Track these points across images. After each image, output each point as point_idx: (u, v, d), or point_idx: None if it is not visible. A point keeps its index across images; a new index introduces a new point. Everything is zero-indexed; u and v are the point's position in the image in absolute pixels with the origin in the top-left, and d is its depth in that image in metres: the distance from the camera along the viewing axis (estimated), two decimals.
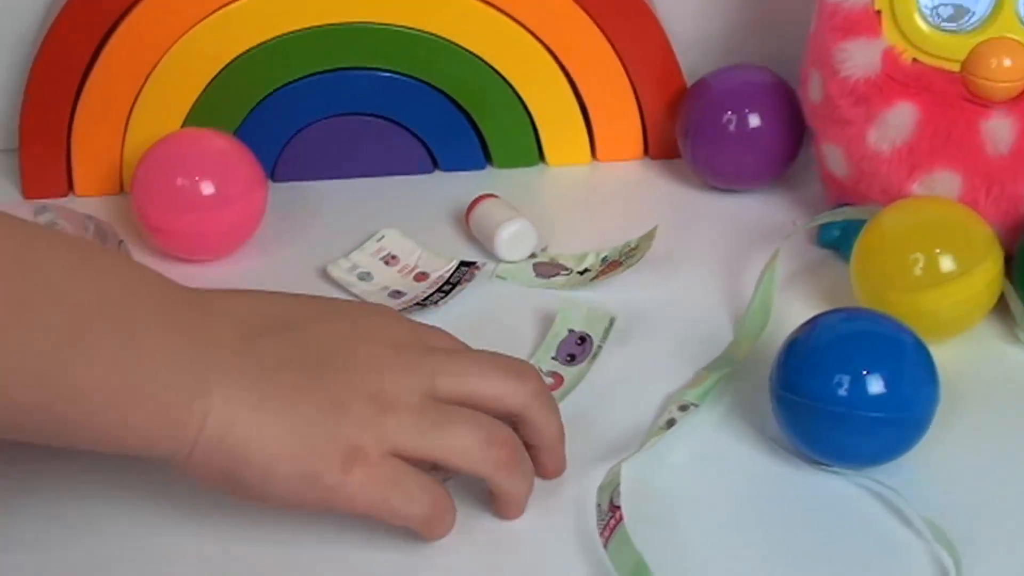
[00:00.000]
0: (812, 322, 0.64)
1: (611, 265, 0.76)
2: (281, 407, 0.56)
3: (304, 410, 0.56)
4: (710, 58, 0.87)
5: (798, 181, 0.83)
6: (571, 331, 0.70)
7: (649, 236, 0.76)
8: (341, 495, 0.56)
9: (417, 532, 0.58)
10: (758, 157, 0.81)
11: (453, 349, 0.62)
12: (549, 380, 0.68)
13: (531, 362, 0.68)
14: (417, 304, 0.74)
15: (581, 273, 0.76)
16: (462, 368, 0.59)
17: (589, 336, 0.70)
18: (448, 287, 0.75)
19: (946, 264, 0.68)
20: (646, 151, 0.87)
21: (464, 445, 0.57)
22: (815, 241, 0.79)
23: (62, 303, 0.52)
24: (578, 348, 0.70)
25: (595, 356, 0.69)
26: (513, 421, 0.60)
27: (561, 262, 0.77)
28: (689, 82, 0.85)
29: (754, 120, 0.80)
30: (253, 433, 0.55)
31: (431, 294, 0.74)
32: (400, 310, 0.72)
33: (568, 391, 0.67)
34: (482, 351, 0.62)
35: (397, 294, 0.75)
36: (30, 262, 0.52)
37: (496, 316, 0.74)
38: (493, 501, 0.60)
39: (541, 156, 0.87)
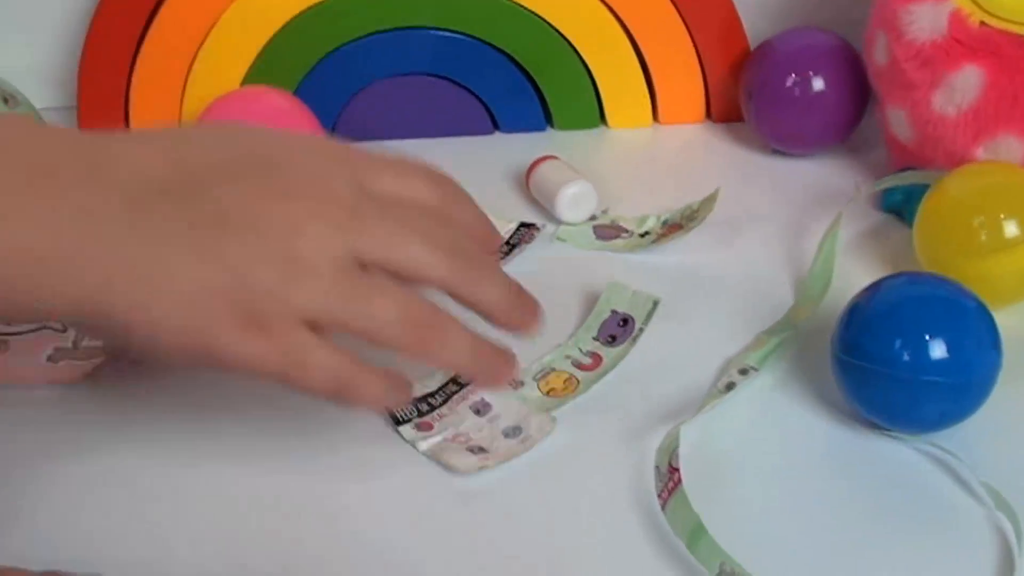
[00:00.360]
0: (875, 286, 0.63)
1: (671, 228, 0.76)
2: (166, 273, 0.51)
3: (192, 275, 0.51)
4: (774, 21, 0.87)
5: (862, 145, 0.83)
6: (614, 312, 0.69)
7: (711, 199, 0.75)
8: (234, 361, 0.52)
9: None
10: (821, 120, 0.81)
11: (382, 203, 0.54)
12: (587, 360, 0.67)
13: (571, 340, 0.68)
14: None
15: (642, 236, 0.76)
16: (385, 234, 0.53)
17: (632, 318, 0.69)
18: (507, 247, 0.75)
19: (1011, 229, 0.67)
20: (708, 114, 0.86)
21: (383, 324, 0.53)
22: (878, 205, 0.78)
23: None
24: (620, 329, 0.69)
25: (636, 339, 0.68)
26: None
27: (622, 224, 0.77)
28: (752, 45, 0.84)
29: (818, 83, 0.80)
30: (131, 306, 0.51)
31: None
32: None
33: (605, 372, 0.67)
34: (432, 213, 0.56)
35: None
36: None
37: (550, 281, 0.73)
38: None
39: (602, 118, 0.86)
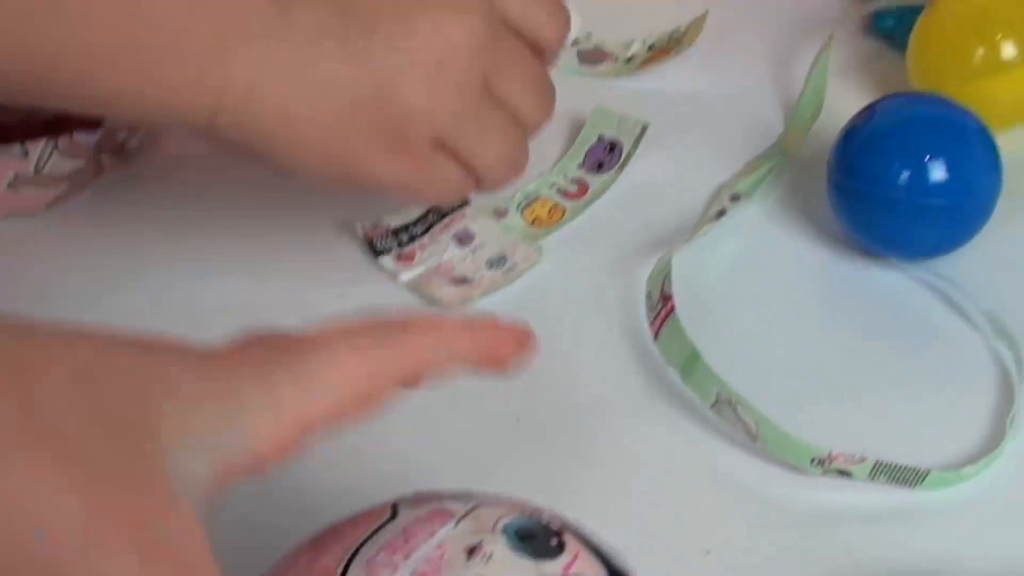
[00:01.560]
0: (872, 107, 0.61)
1: (658, 52, 0.73)
2: (314, 87, 0.51)
3: (339, 90, 0.51)
4: None
5: None
6: (601, 137, 0.67)
7: (699, 22, 0.73)
8: (373, 180, 0.53)
9: None
10: None
11: (516, 49, 0.56)
12: (573, 188, 0.65)
13: (556, 167, 0.66)
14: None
15: (627, 61, 0.73)
16: (514, 76, 0.55)
17: (619, 143, 0.67)
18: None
19: (1007, 51, 0.65)
20: None
21: (489, 158, 0.55)
22: (868, 29, 0.75)
23: None
24: (607, 155, 0.67)
25: (623, 165, 0.66)
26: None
27: (606, 49, 0.74)
28: None
29: None
30: (276, 115, 0.50)
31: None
32: None
33: (592, 200, 0.65)
34: (541, 66, 0.58)
35: None
36: None
37: None
38: None
39: None
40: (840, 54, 0.73)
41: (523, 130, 0.56)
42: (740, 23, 0.76)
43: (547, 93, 0.57)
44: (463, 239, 0.63)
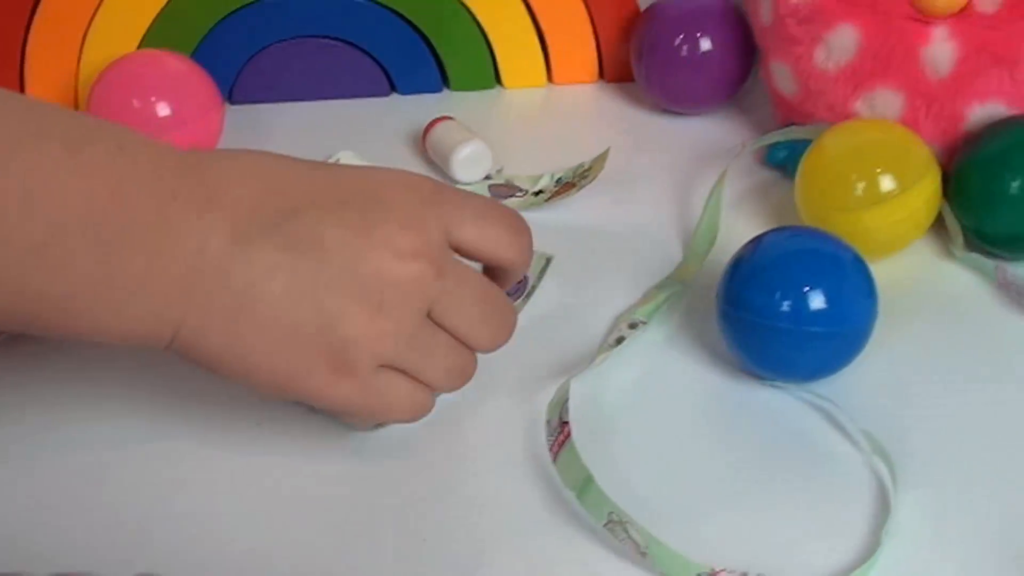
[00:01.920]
0: (756, 240, 0.65)
1: (565, 186, 0.77)
2: (264, 321, 0.54)
3: (289, 323, 0.54)
4: None
5: (749, 104, 0.85)
6: None
7: (602, 158, 0.77)
8: (322, 401, 0.57)
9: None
10: (709, 80, 0.83)
11: (464, 277, 0.58)
12: None
13: None
14: None
15: (536, 194, 0.77)
16: (456, 308, 0.58)
17: (526, 275, 0.70)
18: None
19: (885, 183, 0.69)
20: (601, 74, 0.88)
21: (438, 375, 0.58)
22: (763, 161, 0.80)
23: (35, 211, 0.51)
24: (514, 287, 0.69)
25: (529, 295, 0.70)
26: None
27: (516, 183, 0.78)
28: (642, 6, 0.85)
29: (705, 43, 0.81)
30: (228, 346, 0.54)
31: None
32: None
33: None
34: (493, 289, 0.60)
35: None
36: (11, 165, 0.50)
37: None
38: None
39: (497, 79, 0.87)
40: (737, 185, 0.78)
41: (468, 354, 0.59)
42: (642, 157, 0.81)
43: (498, 318, 0.60)
44: None
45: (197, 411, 0.63)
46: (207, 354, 0.55)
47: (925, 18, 0.73)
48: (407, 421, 0.59)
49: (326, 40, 0.85)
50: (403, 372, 0.57)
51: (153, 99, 0.77)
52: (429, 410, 0.59)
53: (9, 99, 0.53)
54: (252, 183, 0.55)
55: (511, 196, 0.77)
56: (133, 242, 0.53)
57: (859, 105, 0.75)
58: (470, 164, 0.78)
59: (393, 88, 0.87)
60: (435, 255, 0.56)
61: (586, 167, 0.77)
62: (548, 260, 0.71)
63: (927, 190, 0.70)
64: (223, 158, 0.56)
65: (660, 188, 0.79)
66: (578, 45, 0.86)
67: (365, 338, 0.55)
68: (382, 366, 0.56)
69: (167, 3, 0.82)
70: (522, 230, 0.60)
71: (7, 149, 0.51)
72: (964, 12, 0.73)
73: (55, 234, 0.51)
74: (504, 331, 0.60)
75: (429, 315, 0.57)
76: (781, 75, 0.78)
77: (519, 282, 0.70)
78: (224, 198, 0.54)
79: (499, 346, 0.60)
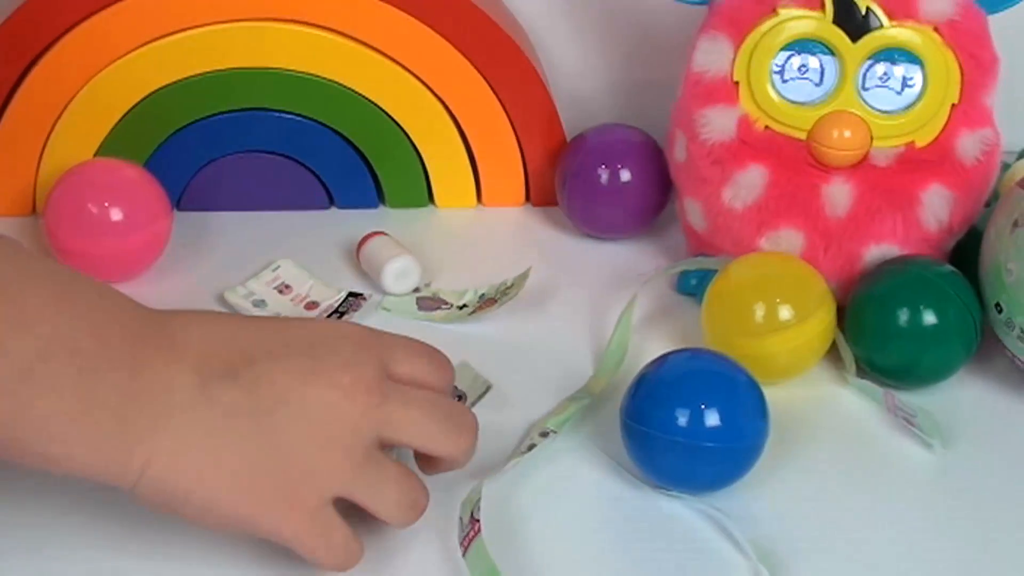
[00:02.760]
0: (660, 359, 0.69)
1: (488, 302, 0.82)
2: (226, 457, 0.58)
3: (249, 459, 0.58)
4: (591, 114, 0.94)
5: (665, 231, 0.90)
6: (455, 387, 0.74)
7: (523, 276, 0.82)
8: (275, 536, 0.60)
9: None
10: (627, 209, 0.88)
11: (408, 397, 0.62)
12: None
13: None
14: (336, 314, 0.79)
15: (460, 308, 0.82)
16: (408, 423, 0.62)
17: (466, 395, 0.75)
18: (336, 316, 0.80)
19: (784, 313, 0.74)
20: (528, 198, 0.93)
21: (389, 507, 0.62)
22: (674, 287, 0.85)
23: (25, 335, 0.56)
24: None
25: None
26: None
27: (442, 297, 0.83)
28: (569, 136, 0.91)
29: (625, 175, 0.87)
30: (194, 480, 0.58)
31: (331, 312, 0.80)
32: None
33: None
34: (439, 398, 0.64)
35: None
36: (6, 293, 0.56)
37: None
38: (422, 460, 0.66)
39: (431, 198, 0.92)
40: (649, 307, 0.83)
41: (417, 484, 0.63)
42: (562, 278, 0.86)
43: (454, 421, 0.64)
44: None
45: None
46: (174, 490, 0.58)
47: (825, 167, 0.79)
48: (336, 570, 0.61)
49: (271, 155, 0.89)
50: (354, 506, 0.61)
51: (107, 204, 0.81)
52: (356, 561, 0.62)
53: (6, 246, 0.58)
54: (211, 335, 0.61)
55: (437, 309, 0.82)
56: (110, 376, 0.57)
57: (763, 242, 0.80)
58: (400, 277, 0.82)
59: (332, 202, 0.92)
60: (375, 385, 0.61)
61: (508, 284, 0.82)
62: (488, 388, 0.75)
63: (823, 321, 0.75)
64: (182, 314, 0.62)
65: (577, 307, 0.83)
66: (507, 170, 0.91)
67: (318, 473, 0.59)
68: (335, 500, 0.60)
69: (123, 116, 0.86)
70: (440, 360, 0.66)
71: (4, 284, 0.56)
72: (860, 164, 0.78)
73: (43, 359, 0.56)
74: (466, 433, 0.64)
75: (383, 442, 0.61)
76: (692, 211, 0.83)
77: (459, 399, 0.74)
78: (187, 347, 0.59)
79: (466, 450, 0.64)
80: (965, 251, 0.79)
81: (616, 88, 0.98)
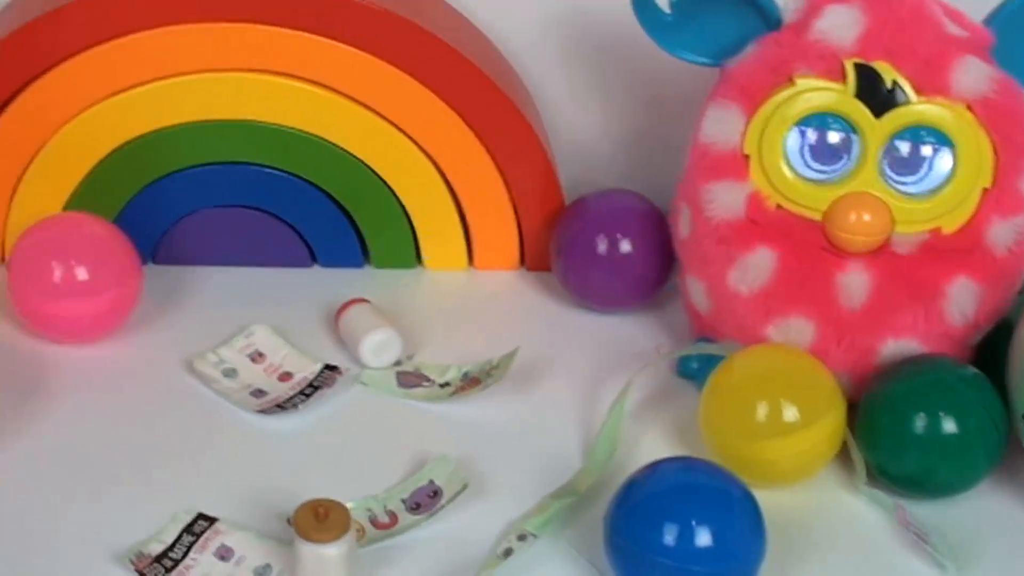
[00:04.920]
0: (651, 467, 0.62)
1: (472, 381, 0.73)
2: None
3: None
4: (595, 177, 0.86)
5: (669, 305, 0.81)
6: (431, 481, 0.67)
7: (510, 357, 0.73)
8: None
9: None
10: (626, 281, 0.79)
11: None
12: (385, 519, 0.65)
13: (382, 496, 0.66)
14: (278, 406, 0.71)
15: (442, 386, 0.74)
16: None
17: (442, 492, 0.67)
18: (310, 390, 0.73)
19: (789, 414, 0.66)
20: (523, 262, 0.84)
21: None
22: (674, 370, 0.76)
23: None
24: (428, 500, 0.67)
25: (434, 514, 0.66)
26: None
27: (424, 372, 0.75)
28: (570, 199, 0.82)
29: (625, 245, 0.78)
30: None
31: (293, 396, 0.72)
32: (259, 411, 0.70)
33: (396, 534, 0.65)
34: None
35: (259, 393, 0.72)
36: None
37: (358, 425, 0.72)
38: None
39: (419, 259, 0.84)
40: (646, 389, 0.75)
41: None
42: (554, 352, 0.78)
43: None
44: (224, 555, 0.62)
45: None
46: None
47: (840, 252, 0.70)
48: None
49: (253, 210, 0.81)
50: None
51: (72, 263, 0.74)
52: None
53: None
54: None
55: (418, 386, 0.74)
56: None
57: (771, 330, 0.71)
58: (379, 351, 0.75)
59: (315, 260, 0.83)
60: None
61: (494, 364, 0.74)
62: (464, 487, 0.67)
63: (830, 426, 0.67)
64: None
65: (568, 388, 0.75)
66: (501, 232, 0.83)
67: None
68: None
69: (98, 164, 0.79)
70: None
71: None
72: (880, 250, 0.70)
73: None
74: None
75: None
76: (695, 290, 0.75)
77: (434, 496, 0.67)
78: None
79: None
80: (994, 346, 0.70)
81: (624, 151, 0.89)
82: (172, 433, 0.70)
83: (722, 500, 0.60)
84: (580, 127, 0.87)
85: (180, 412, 0.72)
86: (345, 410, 0.72)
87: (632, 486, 0.61)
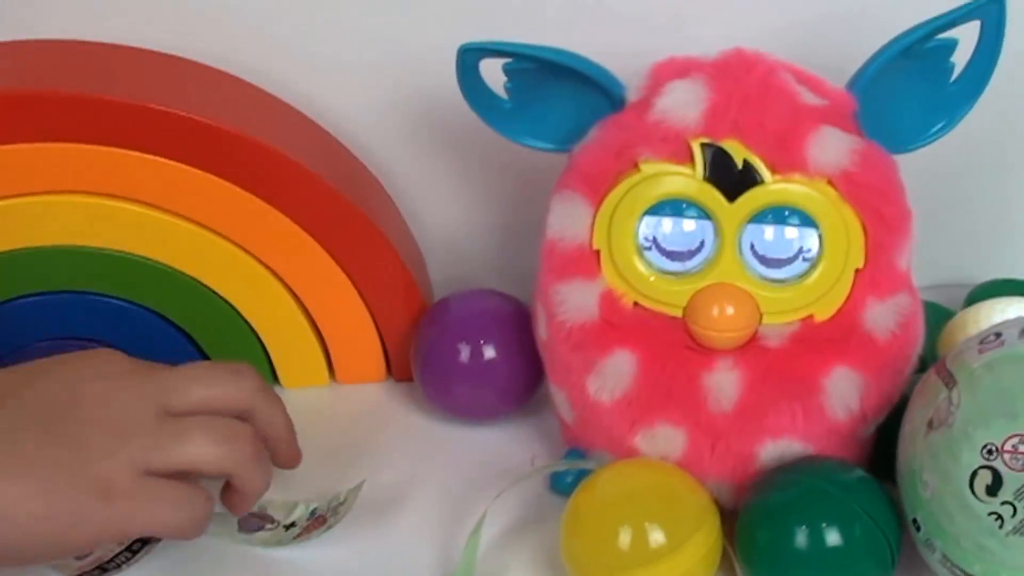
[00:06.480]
0: None
1: (317, 520, 0.65)
2: (18, 473, 0.54)
3: (44, 466, 0.54)
4: (464, 275, 0.78)
5: (540, 412, 0.72)
6: None
7: (355, 490, 0.65)
8: (112, 528, 0.55)
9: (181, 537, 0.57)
10: (493, 391, 0.71)
11: (173, 368, 0.60)
12: None
13: None
14: (98, 568, 0.63)
15: (287, 528, 0.65)
16: (186, 381, 0.59)
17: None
18: (138, 545, 0.64)
19: (655, 538, 0.58)
20: (389, 372, 0.76)
21: (206, 449, 0.57)
22: (548, 485, 0.68)
23: None
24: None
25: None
26: (244, 418, 0.60)
27: (269, 512, 0.66)
28: (443, 294, 0.74)
29: (488, 351, 0.70)
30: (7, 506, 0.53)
31: (116, 555, 0.63)
32: (78, 574, 0.62)
33: None
34: (200, 363, 0.62)
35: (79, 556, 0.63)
36: None
37: None
38: (228, 496, 0.61)
39: (275, 378, 0.76)
40: (516, 509, 0.67)
41: (223, 419, 0.58)
42: (416, 472, 0.70)
43: (231, 375, 0.60)
44: None
45: None
46: None
47: (706, 350, 0.62)
48: (183, 528, 0.57)
49: (89, 342, 0.73)
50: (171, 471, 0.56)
51: None
52: (205, 516, 0.57)
53: None
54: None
55: (261, 529, 0.66)
56: None
57: (639, 440, 0.63)
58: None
59: None
60: (141, 368, 0.59)
61: (341, 500, 0.65)
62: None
63: (704, 545, 0.59)
64: None
65: (429, 513, 0.67)
66: (360, 343, 0.75)
67: (113, 453, 0.55)
68: (147, 474, 0.56)
69: None
70: (243, 371, 0.61)
71: None
72: (748, 345, 0.62)
73: None
74: (246, 375, 0.61)
75: (170, 412, 0.58)
76: (559, 400, 0.67)
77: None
78: None
79: (251, 392, 0.60)
80: (892, 434, 0.61)
81: (495, 244, 0.81)
82: None
83: None
84: (446, 220, 0.79)
85: None
86: (176, 568, 0.64)
87: None
